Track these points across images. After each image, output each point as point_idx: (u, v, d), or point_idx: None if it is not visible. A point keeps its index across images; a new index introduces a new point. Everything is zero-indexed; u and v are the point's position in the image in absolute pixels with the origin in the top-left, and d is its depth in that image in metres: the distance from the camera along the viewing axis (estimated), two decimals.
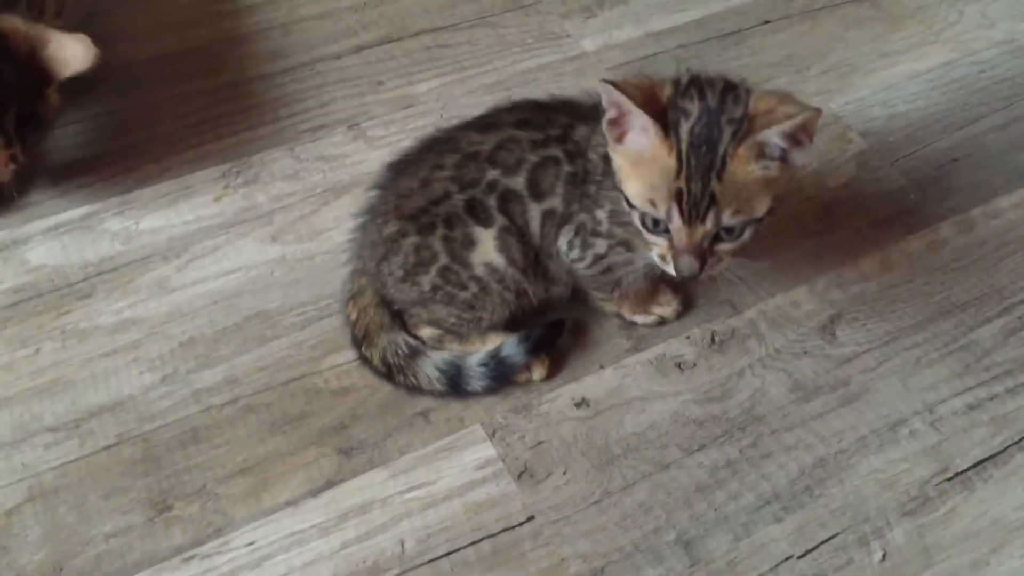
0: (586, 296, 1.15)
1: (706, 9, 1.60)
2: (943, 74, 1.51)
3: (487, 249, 1.02)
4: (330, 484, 1.03)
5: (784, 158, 0.91)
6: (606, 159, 0.99)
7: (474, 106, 1.42)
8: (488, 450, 1.07)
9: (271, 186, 1.31)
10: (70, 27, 1.39)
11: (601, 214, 1.01)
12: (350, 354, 1.13)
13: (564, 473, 1.05)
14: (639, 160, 0.93)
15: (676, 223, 0.92)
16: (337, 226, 1.27)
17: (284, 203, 1.29)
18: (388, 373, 1.09)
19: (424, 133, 1.34)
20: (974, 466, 1.08)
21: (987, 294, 1.23)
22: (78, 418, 1.07)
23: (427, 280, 1.04)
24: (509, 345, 1.08)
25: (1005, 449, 1.09)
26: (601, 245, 1.03)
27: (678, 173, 0.90)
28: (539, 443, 1.07)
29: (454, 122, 1.30)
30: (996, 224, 1.31)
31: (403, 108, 1.42)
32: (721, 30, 1.57)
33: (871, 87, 1.49)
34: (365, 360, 1.11)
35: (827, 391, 1.13)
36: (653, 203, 0.92)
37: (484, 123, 1.04)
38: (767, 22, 1.59)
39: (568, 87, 1.46)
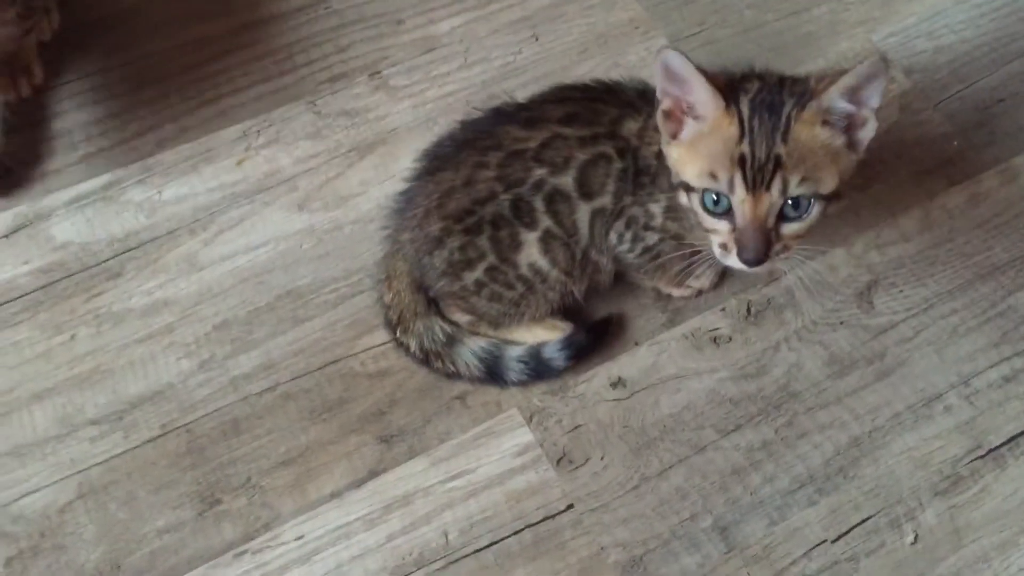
0: (624, 272, 1.13)
1: None
2: None
3: (532, 251, 1.00)
4: (373, 474, 1.05)
5: (850, 132, 0.88)
6: (660, 155, 0.95)
7: (500, 47, 1.36)
8: (526, 435, 1.08)
9: (294, 147, 1.27)
10: None
11: (656, 208, 0.99)
12: (384, 335, 1.13)
13: (602, 459, 1.07)
14: (697, 140, 0.89)
15: (739, 193, 0.87)
16: (364, 191, 1.24)
17: (308, 165, 1.25)
18: (425, 359, 1.09)
19: (448, 81, 1.32)
20: (1007, 442, 1.09)
21: None
22: (120, 409, 1.08)
23: (472, 277, 1.02)
24: (551, 348, 1.08)
25: None
26: (652, 238, 1.01)
27: (740, 138, 0.86)
28: (576, 427, 1.09)
29: (477, 67, 1.27)
30: None
31: (425, 51, 1.35)
32: None
33: (916, 14, 1.42)
34: (401, 345, 1.10)
35: (863, 365, 1.13)
36: (714, 175, 0.87)
37: (528, 117, 0.98)
38: None
39: (597, 22, 1.39)
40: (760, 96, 0.87)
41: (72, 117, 1.29)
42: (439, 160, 1.02)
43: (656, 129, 0.94)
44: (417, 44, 1.36)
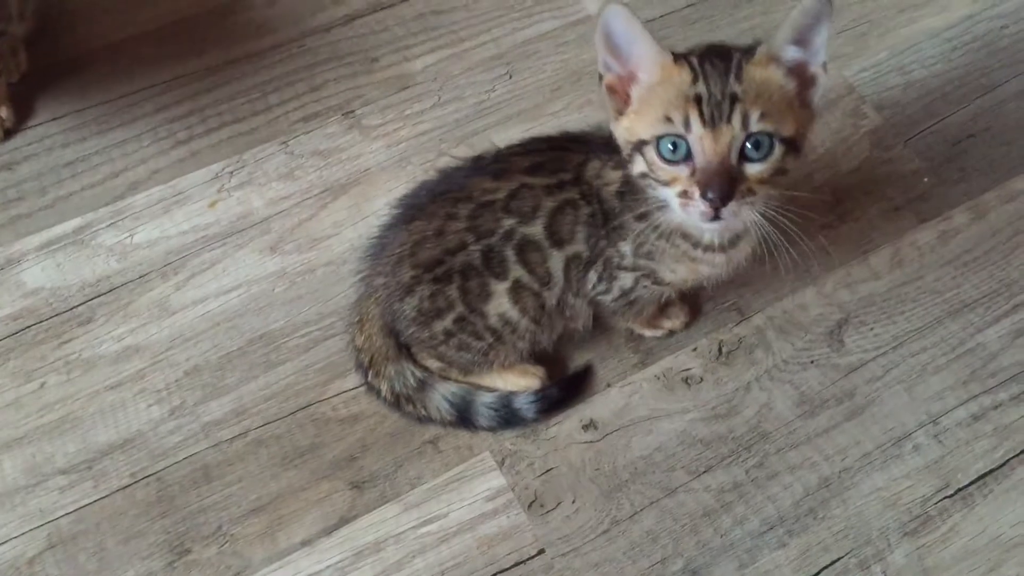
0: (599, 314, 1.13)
1: None
2: (965, 30, 1.44)
3: (502, 301, 1.00)
4: (344, 521, 1.05)
5: (801, 91, 0.86)
6: (620, 194, 0.96)
7: (473, 85, 1.37)
8: (498, 479, 1.08)
9: (267, 188, 1.27)
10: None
11: (625, 247, 0.98)
12: (356, 379, 1.13)
13: (573, 502, 1.07)
14: (647, 95, 0.86)
15: (696, 129, 0.83)
16: (337, 232, 1.24)
17: (281, 207, 1.25)
18: (396, 403, 1.10)
19: (422, 120, 1.32)
20: (975, 481, 1.09)
21: (997, 290, 1.22)
22: (90, 458, 1.08)
23: (441, 326, 1.02)
24: (523, 399, 1.09)
25: (1006, 462, 1.11)
26: (627, 279, 1.01)
27: (694, 80, 0.84)
28: (548, 470, 1.09)
29: (451, 106, 1.27)
30: (1009, 209, 1.28)
31: (399, 90, 1.36)
32: None
33: (889, 48, 1.43)
34: (372, 389, 1.10)
35: (833, 404, 1.14)
36: (668, 118, 0.84)
37: (496, 169, 0.99)
38: None
39: (571, 58, 1.40)
40: (707, 52, 0.86)
41: (42, 160, 1.29)
42: (413, 209, 1.02)
43: (613, 167, 0.95)
44: (391, 82, 1.37)
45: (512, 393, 1.11)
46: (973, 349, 1.18)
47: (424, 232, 1.00)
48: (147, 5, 1.41)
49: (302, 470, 1.08)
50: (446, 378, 1.10)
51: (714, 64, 0.84)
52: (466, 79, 1.37)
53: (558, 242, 0.98)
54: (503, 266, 0.98)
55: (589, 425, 1.12)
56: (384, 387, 1.10)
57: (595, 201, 0.97)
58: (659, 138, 0.85)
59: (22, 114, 1.31)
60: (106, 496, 1.06)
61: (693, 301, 1.19)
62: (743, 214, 0.87)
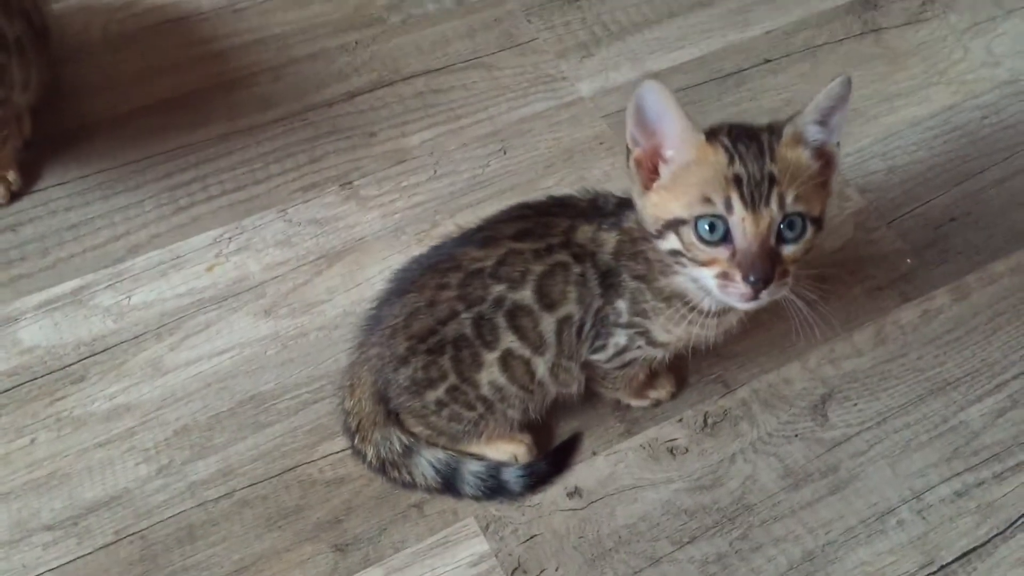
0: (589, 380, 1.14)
1: (706, 47, 1.57)
2: (945, 120, 1.49)
3: (493, 370, 1.02)
4: None
5: (824, 157, 0.90)
6: (616, 255, 0.98)
7: (468, 160, 1.41)
8: (482, 545, 1.08)
9: (263, 253, 1.30)
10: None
11: (622, 304, 1.00)
12: (344, 441, 1.13)
13: (556, 569, 1.07)
14: (681, 174, 0.88)
15: (738, 211, 0.85)
16: (330, 298, 1.26)
17: (277, 273, 1.28)
18: (382, 468, 1.10)
19: (417, 192, 1.36)
20: (959, 558, 1.09)
21: (979, 369, 1.24)
22: (76, 515, 1.08)
23: (433, 396, 1.04)
24: (511, 472, 1.10)
25: (990, 540, 1.11)
26: (622, 336, 1.03)
27: (730, 160, 0.86)
28: (532, 536, 1.09)
29: (446, 179, 1.31)
30: (991, 291, 1.31)
31: (396, 163, 1.40)
32: (721, 70, 1.54)
33: (871, 136, 1.47)
34: (358, 453, 1.11)
35: (817, 477, 1.15)
36: (708, 199, 0.86)
37: (483, 237, 1.01)
38: (767, 61, 1.56)
39: (563, 137, 1.44)
40: (734, 131, 0.89)
41: (46, 222, 1.32)
42: (406, 282, 1.04)
43: (606, 230, 0.98)
44: (388, 156, 1.41)
45: (501, 464, 1.11)
46: (956, 427, 1.19)
47: (416, 304, 1.01)
48: (155, 79, 1.47)
49: (286, 531, 1.08)
50: (433, 444, 1.11)
51: (747, 145, 0.87)
52: (461, 154, 1.41)
53: (549, 305, 1.00)
54: (494, 334, 1.00)
55: (574, 492, 1.12)
56: (370, 452, 1.10)
57: (588, 262, 0.99)
58: (698, 218, 0.87)
59: (29, 178, 1.35)
60: (89, 553, 1.06)
61: (679, 372, 1.20)
62: (778, 293, 0.89)
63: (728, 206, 0.85)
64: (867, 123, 1.48)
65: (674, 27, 1.59)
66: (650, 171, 0.91)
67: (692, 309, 0.97)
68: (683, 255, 0.89)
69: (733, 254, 0.87)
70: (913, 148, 1.46)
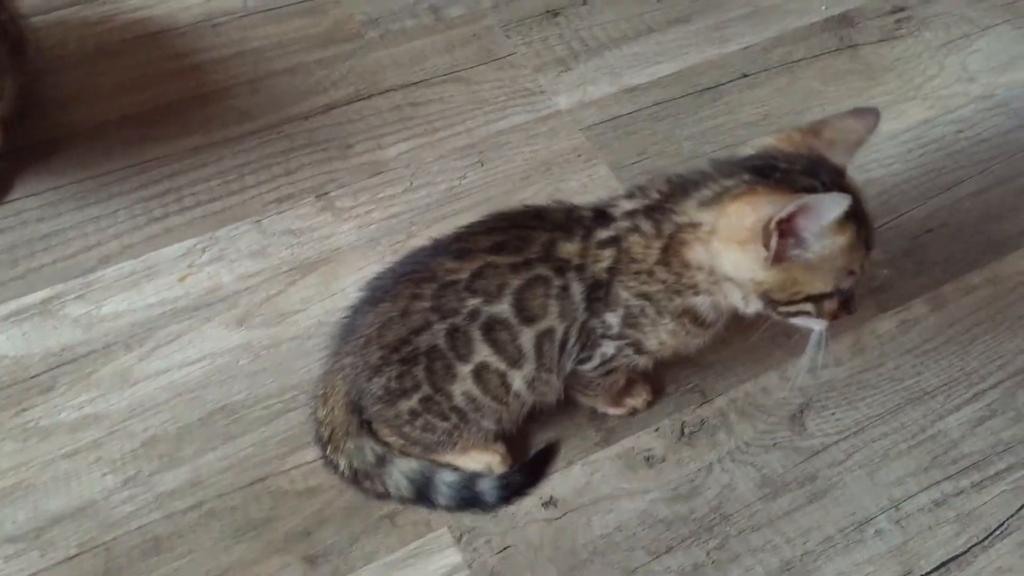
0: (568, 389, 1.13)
1: (684, 61, 1.58)
2: (921, 134, 1.50)
3: (467, 382, 1.00)
4: None
5: None
6: (612, 270, 0.97)
7: (445, 172, 1.40)
8: (455, 556, 1.06)
9: (237, 264, 1.28)
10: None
11: (613, 318, 0.99)
12: (316, 452, 1.12)
13: None
14: (827, 257, 0.90)
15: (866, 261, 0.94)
16: (304, 308, 1.25)
17: (250, 283, 1.27)
18: (354, 478, 1.08)
19: (393, 203, 1.35)
20: (938, 568, 1.08)
21: (957, 379, 1.23)
22: (39, 526, 1.06)
23: (407, 406, 1.02)
24: (486, 482, 1.08)
25: (968, 549, 1.10)
26: (610, 347, 1.02)
27: (858, 232, 0.91)
28: (506, 547, 1.07)
29: (422, 191, 1.30)
30: (967, 302, 1.30)
31: (372, 175, 1.39)
32: (698, 85, 1.54)
33: None
34: (330, 463, 1.09)
35: (795, 487, 1.13)
36: (852, 271, 0.93)
37: (458, 249, 1.00)
38: (745, 75, 1.56)
39: (540, 149, 1.44)
40: (822, 183, 0.90)
41: (17, 233, 1.30)
42: (379, 291, 1.03)
43: (599, 246, 0.97)
44: (365, 168, 1.40)
45: (475, 475, 1.10)
46: (934, 436, 1.18)
47: (390, 313, 1.00)
48: (131, 92, 1.46)
49: (255, 543, 1.06)
50: (406, 454, 1.10)
51: (860, 208, 0.92)
52: (438, 166, 1.41)
53: (528, 319, 0.98)
54: (468, 347, 0.98)
55: (549, 503, 1.11)
56: (342, 462, 1.09)
57: (572, 274, 0.97)
58: (841, 289, 0.94)
59: (1, 190, 1.34)
60: (52, 566, 1.04)
61: (656, 381, 1.19)
62: None
63: (862, 268, 0.93)
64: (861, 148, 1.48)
65: (652, 42, 1.60)
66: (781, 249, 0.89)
67: (698, 323, 0.99)
68: (809, 315, 0.96)
69: (844, 299, 0.96)
70: (889, 161, 1.46)
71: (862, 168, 1.44)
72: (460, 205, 1.36)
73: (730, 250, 0.91)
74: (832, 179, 0.92)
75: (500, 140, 1.45)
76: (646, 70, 1.56)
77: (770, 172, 0.91)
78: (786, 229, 0.86)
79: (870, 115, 0.98)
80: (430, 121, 1.47)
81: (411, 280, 0.99)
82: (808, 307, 0.95)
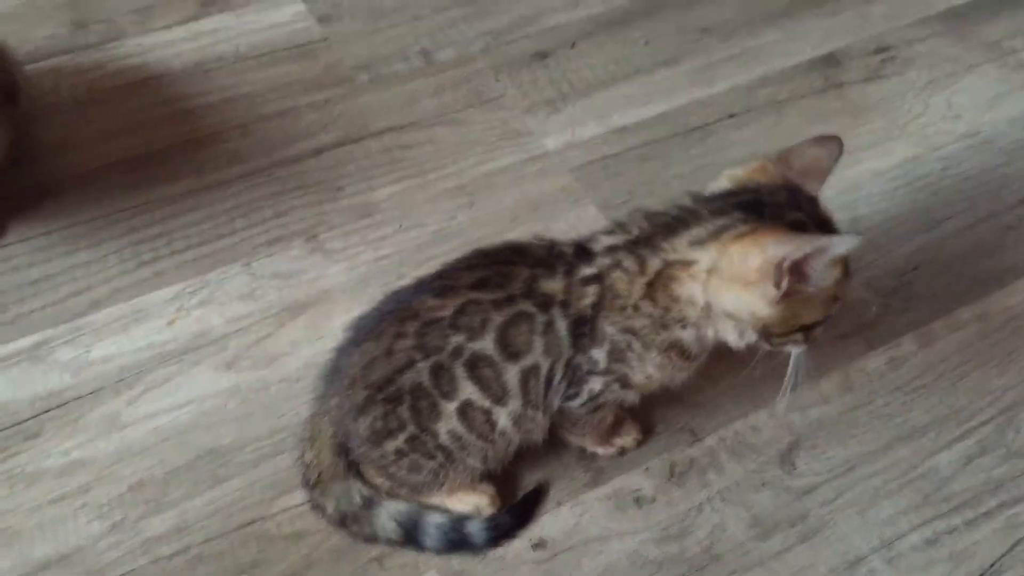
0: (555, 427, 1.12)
1: (671, 102, 1.59)
2: (907, 171, 1.51)
3: (452, 420, 1.00)
4: None
5: None
6: (595, 306, 0.97)
7: (435, 213, 1.41)
8: None
9: (226, 307, 1.29)
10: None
11: (598, 354, 0.99)
12: (303, 495, 1.11)
13: None
14: (824, 289, 0.92)
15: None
16: (293, 351, 1.25)
17: (239, 326, 1.27)
18: (341, 521, 1.08)
19: (383, 245, 1.36)
20: None
21: (947, 416, 1.23)
22: (25, 573, 1.05)
23: (393, 446, 1.02)
24: (475, 524, 1.08)
25: None
26: (597, 383, 1.01)
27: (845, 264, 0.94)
28: None
29: (412, 232, 1.31)
30: (956, 338, 1.31)
31: (362, 217, 1.40)
32: (686, 125, 1.56)
33: (834, 188, 1.46)
34: (317, 507, 1.09)
35: (786, 526, 1.13)
36: (838, 297, 0.95)
37: (440, 286, 1.00)
38: (732, 115, 1.58)
39: (529, 190, 1.45)
40: (807, 215, 0.94)
41: (6, 279, 1.31)
42: (363, 331, 1.03)
43: (583, 283, 0.97)
44: (355, 209, 1.41)
45: (464, 517, 1.09)
46: (925, 474, 1.18)
47: (374, 353, 1.00)
48: (123, 137, 1.47)
49: None
50: (394, 496, 1.09)
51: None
52: (429, 207, 1.42)
53: (513, 355, 0.98)
54: (452, 384, 0.98)
55: (539, 544, 1.10)
56: (330, 505, 1.08)
57: (556, 310, 0.97)
58: (828, 316, 0.97)
59: None
60: None
61: (645, 420, 1.19)
62: None
63: (844, 293, 0.96)
64: (830, 175, 1.49)
65: (639, 84, 1.62)
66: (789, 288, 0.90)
67: (684, 357, 1.00)
68: (796, 343, 0.99)
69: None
70: (876, 199, 1.47)
71: (849, 207, 1.45)
72: (450, 246, 1.37)
73: (733, 289, 0.92)
74: (812, 210, 0.95)
75: (490, 181, 1.46)
76: (634, 111, 1.58)
77: (758, 208, 0.93)
78: (796, 268, 0.88)
79: (833, 143, 1.00)
80: (420, 163, 1.48)
81: (394, 319, 0.99)
82: (799, 336, 0.97)
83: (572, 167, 1.49)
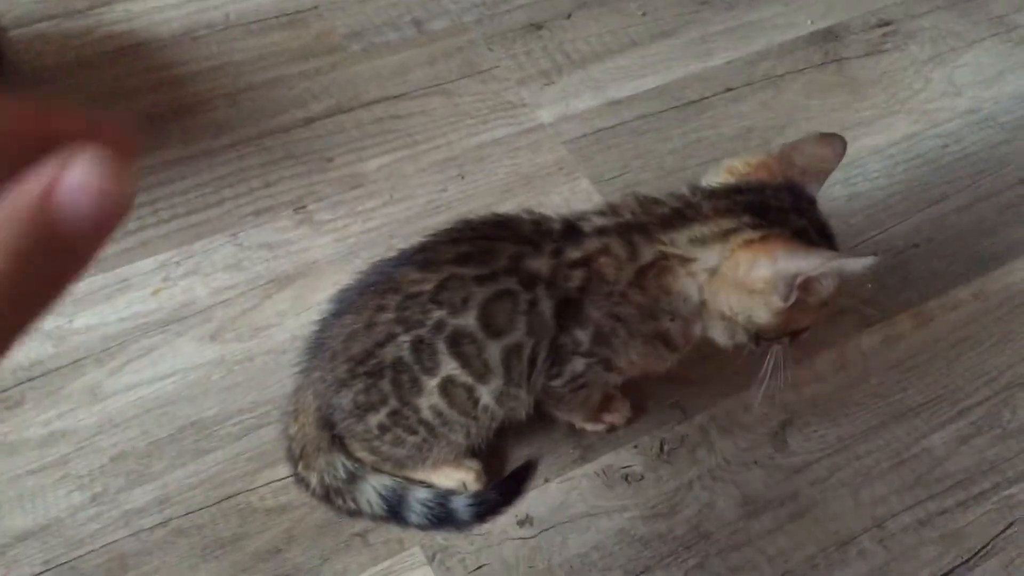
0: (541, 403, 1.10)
1: (668, 75, 1.56)
2: (907, 148, 1.48)
3: (433, 396, 0.97)
4: None
5: None
6: (581, 289, 0.94)
7: (425, 185, 1.39)
8: (428, 575, 1.04)
9: (212, 278, 1.27)
10: None
11: (583, 335, 0.96)
12: (287, 469, 1.10)
13: None
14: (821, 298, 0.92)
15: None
16: (279, 322, 1.23)
17: (225, 297, 1.25)
18: (326, 495, 1.06)
19: (372, 217, 1.33)
20: None
21: (941, 395, 1.21)
22: (4, 544, 1.04)
23: (375, 420, 0.99)
24: (461, 500, 1.05)
25: (953, 570, 1.08)
26: (580, 363, 0.99)
27: None
28: (480, 567, 1.05)
29: (402, 204, 1.28)
30: (953, 317, 1.29)
31: (352, 188, 1.38)
32: (682, 98, 1.53)
33: None
34: (301, 480, 1.07)
35: (776, 505, 1.11)
36: (826, 303, 0.94)
37: (423, 259, 0.97)
38: (729, 89, 1.55)
39: (522, 163, 1.43)
40: (810, 221, 0.92)
41: None
42: (345, 303, 1.00)
43: (570, 265, 0.94)
44: (344, 181, 1.39)
45: (450, 492, 1.07)
46: (918, 454, 1.16)
47: (355, 325, 0.98)
48: (109, 105, 1.44)
49: (222, 562, 1.04)
50: (379, 471, 1.07)
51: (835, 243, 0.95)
52: (419, 180, 1.39)
53: (495, 332, 0.95)
54: (434, 360, 0.95)
55: (525, 521, 1.09)
56: (314, 479, 1.07)
57: (540, 291, 0.94)
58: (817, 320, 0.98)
59: None
60: None
61: (636, 398, 1.17)
62: None
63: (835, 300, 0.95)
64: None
65: (636, 56, 1.59)
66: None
67: (669, 347, 0.98)
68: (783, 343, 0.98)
69: None
70: (875, 175, 1.45)
71: (847, 183, 1.43)
72: (440, 219, 1.33)
73: (734, 294, 0.91)
74: (813, 215, 0.93)
75: (481, 153, 1.44)
76: (630, 83, 1.55)
77: (764, 210, 0.91)
78: (806, 284, 0.88)
79: (837, 141, 0.98)
80: (411, 134, 1.45)
81: (376, 292, 0.97)
82: (786, 339, 0.97)
83: (566, 140, 1.46)
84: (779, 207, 0.91)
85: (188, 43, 1.55)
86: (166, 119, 1.44)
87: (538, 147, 1.45)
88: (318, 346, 1.03)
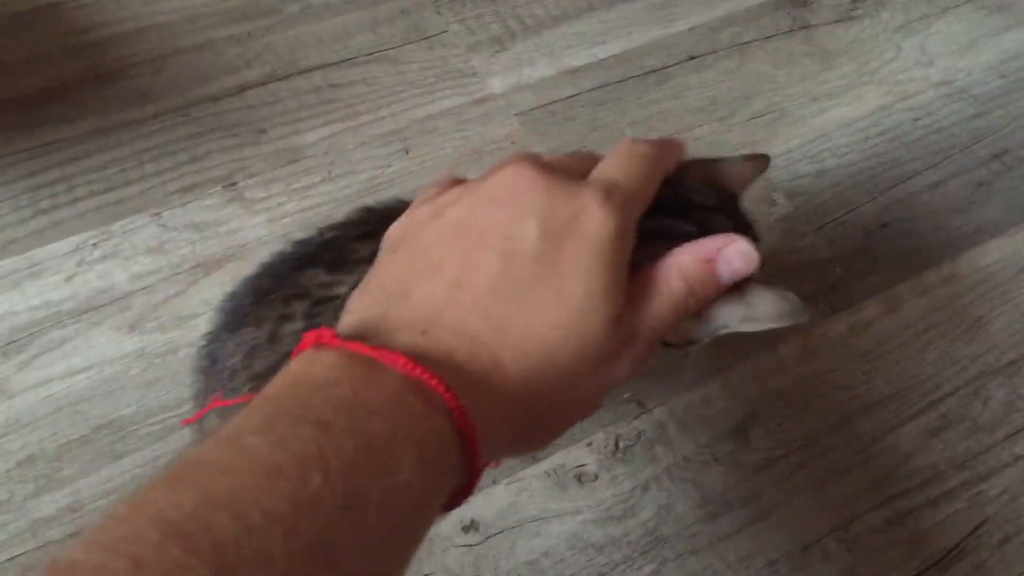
0: None
1: (628, 42, 1.47)
2: (877, 121, 1.41)
3: None
4: None
5: None
6: None
7: (367, 160, 1.29)
8: None
9: (132, 261, 1.16)
10: None
11: None
12: None
13: None
14: None
15: None
16: (205, 311, 1.13)
17: (146, 283, 1.15)
18: None
19: (309, 195, 1.24)
20: None
21: (910, 386, 1.15)
22: None
23: None
24: None
25: (922, 572, 1.02)
26: None
27: None
28: None
29: (342, 181, 1.19)
30: (922, 303, 1.22)
31: (287, 163, 1.28)
32: (643, 67, 1.44)
33: (800, 137, 1.39)
34: None
35: (737, 506, 1.05)
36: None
37: (332, 258, 0.85)
38: (692, 57, 1.46)
39: (472, 136, 1.34)
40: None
41: None
42: (238, 315, 0.87)
43: None
44: (279, 155, 1.29)
45: None
46: (886, 449, 1.10)
47: (256, 339, 0.85)
48: (22, 71, 1.33)
49: None
50: None
51: None
52: (360, 154, 1.30)
53: None
54: None
55: (470, 526, 1.01)
56: None
57: None
58: None
59: None
60: None
61: None
62: None
63: None
64: (795, 124, 1.40)
65: (594, 21, 1.50)
66: None
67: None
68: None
69: None
70: (843, 151, 1.37)
71: (814, 159, 1.36)
72: (383, 195, 1.25)
73: None
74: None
75: (428, 126, 1.34)
76: (587, 51, 1.46)
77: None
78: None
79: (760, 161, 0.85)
80: (352, 104, 1.35)
81: (277, 299, 0.85)
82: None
83: (519, 111, 1.37)
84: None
85: (109, 4, 1.43)
86: (83, 87, 1.33)
87: (489, 119, 1.35)
88: (211, 363, 0.90)
